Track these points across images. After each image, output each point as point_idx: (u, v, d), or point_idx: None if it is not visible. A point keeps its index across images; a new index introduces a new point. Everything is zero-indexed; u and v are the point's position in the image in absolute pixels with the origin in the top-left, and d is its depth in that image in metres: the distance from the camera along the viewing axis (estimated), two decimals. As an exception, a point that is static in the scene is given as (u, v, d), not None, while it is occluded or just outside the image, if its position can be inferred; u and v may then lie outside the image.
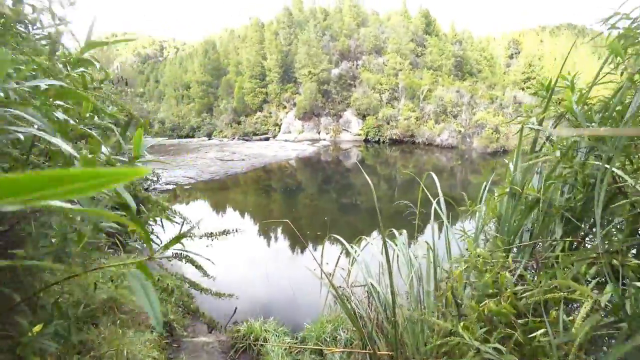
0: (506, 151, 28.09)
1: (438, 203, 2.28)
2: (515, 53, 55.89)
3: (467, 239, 1.64)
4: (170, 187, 14.20)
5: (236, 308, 4.51)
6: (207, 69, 48.81)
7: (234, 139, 38.82)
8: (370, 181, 1.98)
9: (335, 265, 2.44)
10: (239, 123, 41.40)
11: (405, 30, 41.78)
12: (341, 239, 2.61)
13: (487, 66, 49.27)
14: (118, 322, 2.91)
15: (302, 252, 8.01)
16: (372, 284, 1.91)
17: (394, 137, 34.53)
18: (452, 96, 34.55)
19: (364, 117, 36.80)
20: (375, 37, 41.67)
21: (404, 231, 2.47)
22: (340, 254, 2.54)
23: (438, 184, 2.37)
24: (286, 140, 36.33)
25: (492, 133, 29.03)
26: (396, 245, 2.26)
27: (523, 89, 39.80)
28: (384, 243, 1.74)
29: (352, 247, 2.38)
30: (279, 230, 9.47)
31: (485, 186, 2.26)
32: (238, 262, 7.10)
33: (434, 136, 32.62)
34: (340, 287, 2.31)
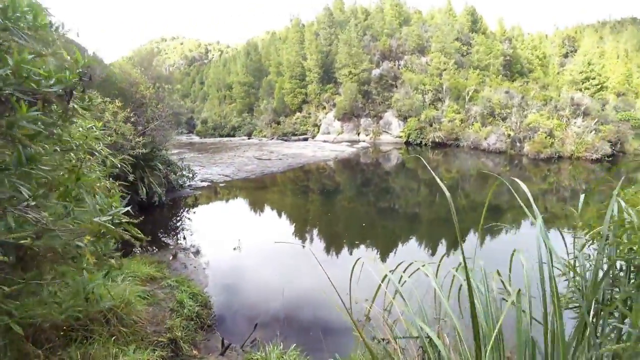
0: (561, 157, 25.93)
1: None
2: (571, 51, 51.63)
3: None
4: (206, 184, 14.27)
5: (256, 324, 4.13)
6: (249, 70, 49.78)
7: (273, 138, 39.11)
8: (445, 189, 1.45)
9: (372, 302, 1.92)
10: (278, 123, 41.67)
11: (450, 28, 40.01)
12: (378, 260, 2.09)
13: (539, 65, 46.11)
14: (117, 336, 2.61)
15: (335, 256, 7.51)
16: (428, 337, 1.37)
17: (437, 140, 33.05)
18: (500, 97, 32.47)
19: (405, 118, 35.59)
20: (418, 36, 40.26)
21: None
22: (382, 282, 2.01)
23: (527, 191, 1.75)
24: (325, 141, 35.98)
25: (545, 137, 26.87)
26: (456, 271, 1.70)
27: (581, 90, 36.64)
28: (467, 277, 1.20)
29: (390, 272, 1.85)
30: (314, 232, 9.05)
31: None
32: (261, 273, 6.72)
33: (480, 139, 30.82)
34: (381, 339, 1.78)
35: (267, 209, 11.85)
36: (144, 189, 9.23)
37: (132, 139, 6.87)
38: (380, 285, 1.96)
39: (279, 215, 11.20)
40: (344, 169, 20.86)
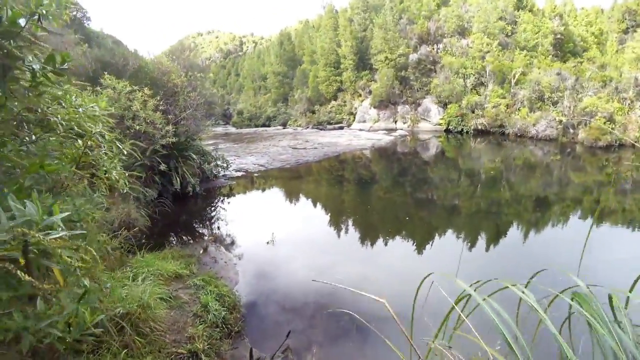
0: (623, 145, 23.44)
1: None
2: (632, 26, 46.65)
3: None
4: (240, 174, 14.14)
5: (289, 332, 3.73)
6: (283, 59, 49.69)
7: (307, 127, 38.79)
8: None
9: (439, 326, 1.40)
10: (313, 112, 41.28)
11: (493, 6, 37.26)
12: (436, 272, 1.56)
13: (595, 43, 42.01)
14: (131, 346, 2.28)
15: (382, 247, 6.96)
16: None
17: (480, 127, 31.20)
18: (551, 79, 29.94)
19: (445, 105, 33.87)
20: (458, 17, 37.93)
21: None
22: (457, 304, 1.48)
23: None
24: (361, 130, 35.16)
25: (604, 122, 24.43)
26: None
27: (647, 68, 33.02)
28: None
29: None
30: (351, 224, 8.55)
31: None
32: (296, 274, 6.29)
33: (528, 126, 28.68)
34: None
35: (302, 199, 11.47)
36: (177, 179, 9.14)
37: (162, 128, 6.69)
38: (453, 306, 1.44)
39: (315, 205, 10.78)
40: (381, 158, 20.08)
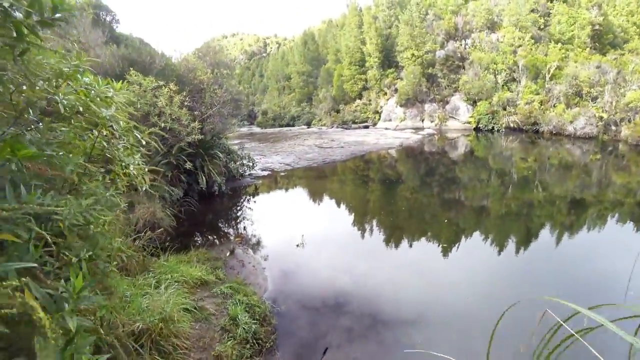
0: (676, 144, 21.70)
1: None
2: (677, 16, 43.70)
3: None
4: (266, 173, 13.91)
5: (326, 349, 3.36)
6: (307, 59, 49.55)
7: (332, 127, 38.40)
8: None
9: None
10: (337, 111, 40.86)
11: (525, -2, 35.52)
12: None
13: (637, 34, 39.38)
14: None
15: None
16: None
17: (512, 125, 29.82)
18: (589, 73, 28.20)
19: (474, 102, 32.62)
20: (487, 11, 36.43)
21: None
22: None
23: None
24: (387, 129, 34.41)
25: (651, 118, 22.80)
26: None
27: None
28: None
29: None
30: (384, 228, 8.09)
31: None
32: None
33: (565, 123, 27.11)
34: None
35: (331, 199, 11.09)
36: (203, 178, 8.97)
37: (188, 124, 6.48)
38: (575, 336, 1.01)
39: (344, 206, 10.36)
40: (410, 157, 19.41)
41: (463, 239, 7.39)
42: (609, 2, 40.02)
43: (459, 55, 35.36)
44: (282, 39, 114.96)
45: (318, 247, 6.81)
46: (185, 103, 6.67)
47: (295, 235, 7.22)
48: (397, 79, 38.09)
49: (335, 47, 46.11)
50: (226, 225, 8.48)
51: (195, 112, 8.10)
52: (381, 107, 38.46)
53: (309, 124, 42.48)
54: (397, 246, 7.11)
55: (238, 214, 9.37)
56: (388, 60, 39.15)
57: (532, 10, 35.08)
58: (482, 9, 36.79)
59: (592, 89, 28.00)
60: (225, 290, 3.78)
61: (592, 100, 27.82)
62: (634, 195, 10.75)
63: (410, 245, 7.11)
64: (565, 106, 28.26)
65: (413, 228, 8.17)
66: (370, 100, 39.63)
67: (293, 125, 43.69)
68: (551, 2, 37.14)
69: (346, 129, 35.86)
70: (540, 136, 27.83)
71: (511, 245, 6.98)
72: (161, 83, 6.33)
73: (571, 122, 26.86)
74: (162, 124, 5.70)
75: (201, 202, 9.11)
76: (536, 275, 5.71)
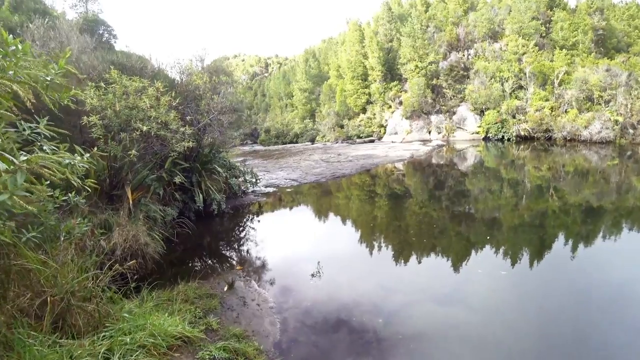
0: (693, 144, 20.76)
1: None
2: (675, 20, 43.53)
3: None
4: (271, 189, 12.80)
5: None
6: (309, 75, 49.39)
7: (337, 142, 37.56)
8: None
9: None
10: (341, 126, 40.13)
11: (526, 6, 35.27)
12: None
13: (639, 38, 39.03)
14: None
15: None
16: None
17: (523, 133, 28.89)
18: (600, 77, 27.37)
19: (482, 112, 31.77)
20: (488, 20, 36.15)
21: None
22: None
23: None
24: (393, 142, 33.52)
25: (670, 118, 21.82)
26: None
27: None
28: None
29: None
30: (412, 249, 6.95)
31: None
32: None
33: (579, 129, 26.13)
34: None
35: (346, 218, 9.92)
36: (200, 195, 7.91)
37: (177, 129, 5.49)
38: None
39: (363, 226, 9.15)
40: (422, 170, 18.35)
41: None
42: (609, 7, 39.82)
43: (463, 65, 34.78)
44: (283, 58, 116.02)
45: (338, 277, 5.63)
46: (174, 104, 5.69)
47: (308, 261, 6.07)
48: (401, 91, 37.46)
49: (336, 63, 45.88)
50: (226, 249, 7.31)
51: (188, 118, 7.13)
52: (386, 120, 37.69)
53: (312, 140, 41.74)
54: (435, 274, 5.98)
55: (240, 237, 8.20)
56: (391, 73, 38.65)
57: (534, 18, 34.71)
58: (483, 19, 36.50)
59: (603, 93, 27.12)
60: (217, 355, 2.64)
61: (605, 104, 26.90)
62: None
63: (455, 268, 5.97)
64: (578, 111, 27.33)
65: (448, 249, 7.03)
66: (374, 114, 38.92)
67: (296, 142, 42.98)
68: (551, 9, 36.95)
69: (351, 143, 35.01)
70: (553, 143, 26.83)
71: (526, 259, 6.26)
72: (146, 83, 5.40)
73: (586, 127, 25.88)
74: (145, 128, 4.71)
75: (198, 222, 7.98)
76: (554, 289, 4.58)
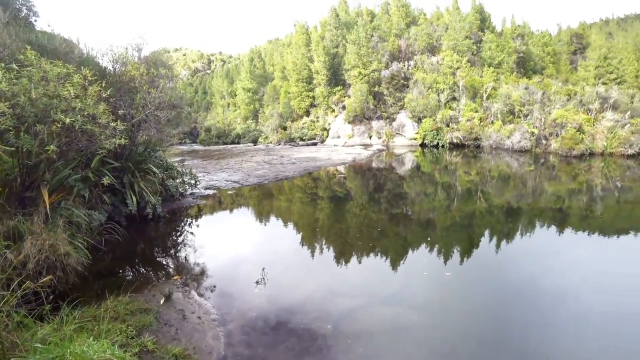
0: (593, 154, 24.13)
1: None
2: (579, 49, 50.51)
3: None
4: (211, 192, 12.18)
5: None
6: (253, 75, 48.43)
7: (280, 144, 37.20)
8: None
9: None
10: (284, 128, 39.83)
11: (461, 25, 38.40)
12: None
13: (551, 62, 44.54)
14: None
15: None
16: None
17: (455, 141, 31.02)
18: (520, 93, 30.52)
19: (419, 119, 33.61)
20: (428, 35, 38.69)
21: None
22: None
23: None
24: (335, 145, 34.08)
25: (575, 133, 24.92)
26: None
27: (606, 83, 34.67)
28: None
29: None
30: (365, 253, 6.97)
31: None
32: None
33: (503, 138, 28.76)
34: None
35: (289, 221, 9.70)
36: (133, 197, 7.20)
37: (108, 124, 4.88)
38: None
39: (308, 229, 9.00)
40: (364, 173, 18.80)
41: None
42: (528, 33, 44.65)
43: (403, 75, 36.51)
44: (227, 56, 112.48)
45: (284, 283, 5.44)
46: (105, 95, 5.05)
47: (252, 267, 5.80)
48: (344, 96, 38.25)
49: (282, 65, 45.57)
50: (162, 257, 6.72)
51: (121, 112, 6.43)
52: (329, 124, 38.20)
53: (255, 142, 40.89)
54: (387, 275, 6.04)
55: (177, 243, 7.61)
56: (335, 78, 39.30)
57: (467, 37, 37.77)
58: (423, 33, 38.85)
59: (523, 108, 30.16)
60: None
61: (524, 117, 29.91)
62: (561, 201, 11.44)
63: (397, 269, 6.08)
64: (502, 123, 30.08)
65: (388, 250, 7.18)
66: (318, 117, 39.24)
67: (238, 143, 41.81)
68: (482, 31, 40.59)
69: (294, 146, 34.92)
70: (481, 150, 29.13)
71: (456, 255, 6.78)
72: (71, 69, 4.72)
73: (508, 137, 28.49)
74: (68, 120, 4.09)
75: (130, 228, 7.26)
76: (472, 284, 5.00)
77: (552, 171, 18.31)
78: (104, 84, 5.37)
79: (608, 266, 6.23)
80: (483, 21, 43.24)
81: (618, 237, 7.97)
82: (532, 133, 27.98)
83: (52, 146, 4.14)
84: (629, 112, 26.50)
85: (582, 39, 51.93)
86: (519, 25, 43.64)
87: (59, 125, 4.08)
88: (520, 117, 30.11)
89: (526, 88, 31.24)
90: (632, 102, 29.31)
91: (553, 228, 8.63)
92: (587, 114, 27.37)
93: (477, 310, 4.78)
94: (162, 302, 4.20)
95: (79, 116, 4.29)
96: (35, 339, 2.30)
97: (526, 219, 9.50)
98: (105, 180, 5.41)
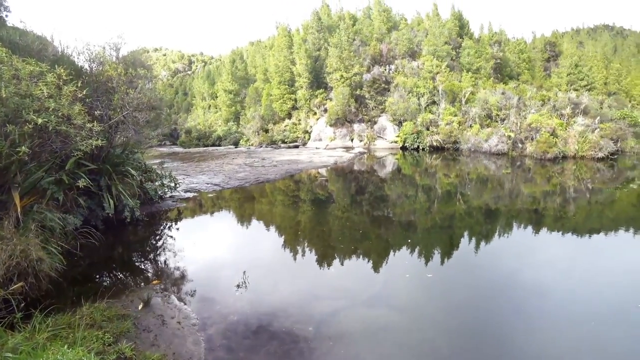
0: (565, 157, 25.05)
1: None
2: (552, 56, 52.78)
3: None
4: (191, 195, 11.99)
5: None
6: (235, 77, 48.01)
7: (261, 146, 36.99)
8: None
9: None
10: (266, 131, 39.62)
11: (440, 31, 39.31)
12: None
13: (526, 69, 46.27)
14: None
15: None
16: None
17: (435, 144, 31.62)
18: (497, 98, 31.43)
19: (400, 123, 34.10)
20: (408, 40, 39.41)
21: None
22: None
23: None
24: (317, 148, 34.14)
25: (549, 137, 25.84)
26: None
27: (577, 90, 36.19)
28: None
29: None
30: (348, 255, 7.00)
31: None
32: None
33: (481, 142, 29.50)
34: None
35: (270, 224, 9.64)
36: (110, 201, 7.01)
37: (84, 125, 4.72)
38: None
39: (289, 231, 8.97)
40: (345, 176, 18.91)
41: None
42: (505, 40, 46.17)
43: (385, 78, 36.99)
44: (208, 57, 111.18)
45: (265, 286, 5.40)
46: (80, 96, 4.89)
47: (233, 271, 5.74)
48: (326, 99, 38.41)
49: (264, 67, 45.40)
50: (140, 261, 6.56)
51: (97, 113, 6.26)
52: (311, 126, 38.26)
53: (236, 144, 40.51)
54: (367, 275, 6.07)
55: (156, 247, 7.44)
56: (317, 81, 39.44)
57: (446, 43, 38.66)
58: (403, 38, 39.52)
59: (500, 112, 31.05)
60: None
61: (501, 122, 30.78)
62: (537, 203, 11.82)
63: (379, 270, 6.13)
64: (480, 127, 30.86)
65: (370, 252, 7.24)
66: (299, 120, 39.24)
67: (219, 145, 41.31)
68: (461, 37, 41.68)
69: (276, 148, 34.81)
70: (460, 153, 29.79)
71: (437, 256, 6.92)
72: (45, 68, 4.55)
73: (486, 140, 29.24)
74: (40, 121, 3.94)
75: (107, 232, 7.07)
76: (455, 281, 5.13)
77: (527, 174, 18.86)
78: (79, 84, 5.21)
79: (581, 264, 6.49)
80: (462, 28, 44.48)
81: (590, 236, 8.30)
82: (509, 137, 28.81)
83: (24, 147, 3.99)
84: (598, 117, 27.67)
85: (555, 47, 54.20)
86: (496, 33, 45.14)
87: (31, 126, 3.94)
88: (497, 121, 30.97)
89: (503, 93, 32.21)
90: (601, 108, 30.69)
91: (529, 228, 8.91)
92: (560, 118, 28.42)
93: (457, 310, 4.88)
94: (140, 307, 4.10)
95: (52, 117, 4.15)
96: (6, 348, 2.21)
97: (504, 220, 9.77)
98: (81, 183, 5.24)
